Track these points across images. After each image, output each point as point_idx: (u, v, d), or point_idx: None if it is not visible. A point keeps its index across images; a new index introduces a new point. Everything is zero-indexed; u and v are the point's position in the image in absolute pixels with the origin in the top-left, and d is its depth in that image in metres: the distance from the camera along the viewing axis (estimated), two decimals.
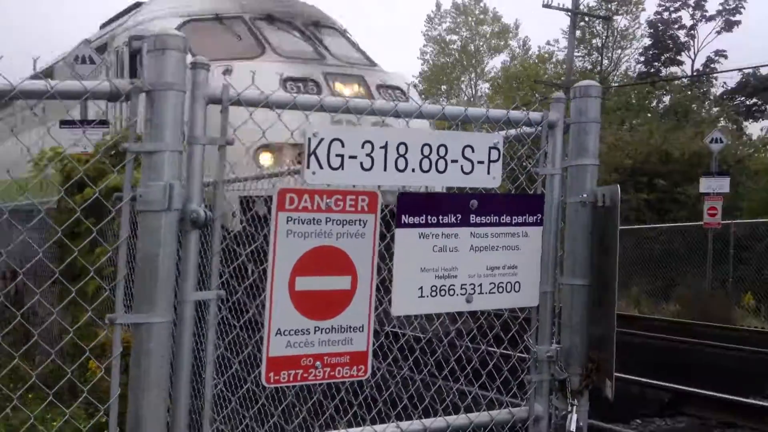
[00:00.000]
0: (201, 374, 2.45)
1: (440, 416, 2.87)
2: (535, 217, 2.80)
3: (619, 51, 48.08)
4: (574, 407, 2.95)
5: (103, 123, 9.68)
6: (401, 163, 2.46)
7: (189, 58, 2.21)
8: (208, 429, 2.38)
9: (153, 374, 2.22)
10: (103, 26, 16.32)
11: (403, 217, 2.54)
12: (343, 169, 2.36)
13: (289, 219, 2.32)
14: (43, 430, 3.71)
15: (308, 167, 2.31)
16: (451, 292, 2.67)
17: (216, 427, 2.51)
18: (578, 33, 39.08)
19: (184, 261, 2.26)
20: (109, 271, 5.91)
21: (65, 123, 10.20)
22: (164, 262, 2.18)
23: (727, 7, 43.34)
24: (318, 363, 2.45)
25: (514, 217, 2.75)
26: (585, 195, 2.88)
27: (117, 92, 2.14)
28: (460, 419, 2.87)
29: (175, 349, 2.31)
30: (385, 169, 2.44)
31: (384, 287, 2.63)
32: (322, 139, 2.32)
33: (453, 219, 2.63)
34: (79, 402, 2.63)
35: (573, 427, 2.94)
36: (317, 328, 2.43)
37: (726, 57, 43.54)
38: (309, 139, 2.30)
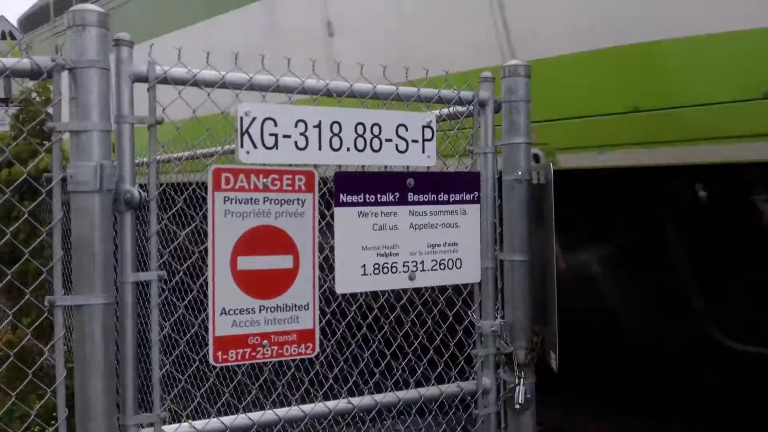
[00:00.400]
0: (148, 355, 2.48)
1: (390, 391, 2.93)
2: (472, 195, 2.85)
3: None
4: (521, 380, 3.02)
5: (20, 103, 9.48)
6: (336, 142, 2.49)
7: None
8: (158, 408, 2.40)
9: (98, 356, 2.23)
10: None
11: (341, 195, 2.58)
12: (277, 148, 2.39)
13: (226, 199, 2.34)
14: None
15: (242, 146, 2.33)
16: (394, 269, 2.72)
17: (167, 406, 2.54)
18: None
19: (121, 242, 2.27)
20: (48, 253, 5.89)
21: None
22: (100, 243, 2.18)
23: None
24: (265, 342, 2.48)
25: (451, 195, 2.79)
26: (519, 173, 2.95)
27: (39, 70, 2.12)
28: (410, 393, 2.93)
29: (119, 330, 2.33)
30: (320, 148, 2.46)
31: (328, 266, 2.67)
32: (254, 118, 2.34)
33: (391, 197, 2.67)
34: (21, 386, 2.64)
35: (521, 399, 3.01)
36: (262, 307, 2.46)
37: None
38: (241, 118, 2.32)
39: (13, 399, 2.28)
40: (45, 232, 2.29)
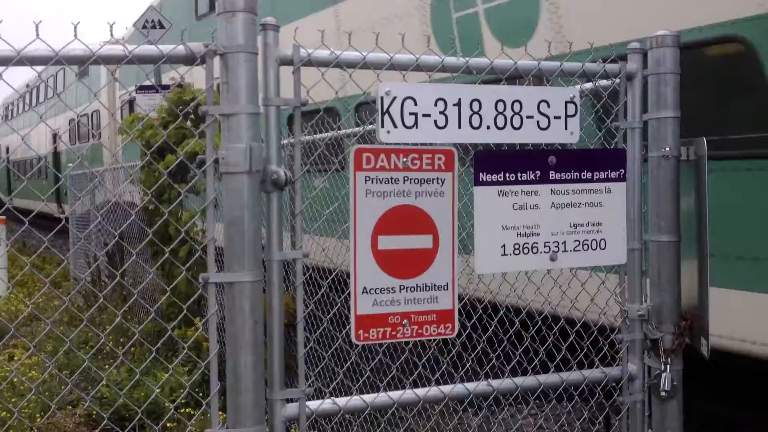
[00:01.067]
0: (293, 331, 2.54)
1: (531, 375, 2.89)
2: (617, 173, 2.75)
3: None
4: (668, 366, 2.90)
5: (179, 86, 9.86)
6: (475, 120, 2.47)
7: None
8: (303, 384, 2.47)
9: (248, 331, 2.31)
10: None
11: (480, 174, 2.56)
12: (417, 127, 2.40)
13: (367, 178, 2.38)
14: (149, 384, 3.97)
15: (382, 126, 2.35)
16: (534, 250, 2.67)
17: (311, 382, 2.61)
18: None
19: (268, 221, 2.35)
20: (196, 233, 6.16)
21: (141, 89, 10.37)
22: (249, 223, 2.26)
23: None
24: (405, 321, 2.50)
25: (595, 173, 2.71)
26: (667, 149, 2.81)
27: (192, 55, 2.21)
28: (551, 378, 2.87)
29: (267, 307, 2.41)
30: (459, 127, 2.45)
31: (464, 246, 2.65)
32: (394, 98, 2.35)
33: (532, 176, 2.62)
34: (179, 359, 2.78)
35: (667, 386, 2.89)
36: (402, 287, 2.49)
37: None
38: (381, 98, 2.33)
39: (171, 371, 2.44)
40: (198, 213, 2.40)
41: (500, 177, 2.58)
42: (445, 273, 2.54)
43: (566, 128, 2.62)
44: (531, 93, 2.57)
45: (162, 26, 11.45)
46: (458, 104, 2.45)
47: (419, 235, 2.49)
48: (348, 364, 2.84)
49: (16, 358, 8.09)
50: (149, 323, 7.11)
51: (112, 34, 2.15)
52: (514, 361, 3.02)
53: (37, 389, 6.49)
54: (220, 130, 2.27)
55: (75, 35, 2.10)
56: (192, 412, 5.41)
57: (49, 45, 2.07)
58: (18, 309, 10.87)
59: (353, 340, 2.47)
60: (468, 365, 3.11)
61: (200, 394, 4.38)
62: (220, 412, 2.43)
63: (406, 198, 2.44)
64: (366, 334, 2.48)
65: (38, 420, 5.69)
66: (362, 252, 2.42)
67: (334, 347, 2.99)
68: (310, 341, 3.13)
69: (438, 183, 2.47)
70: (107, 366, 7.38)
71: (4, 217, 12.89)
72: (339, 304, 2.82)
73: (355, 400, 2.61)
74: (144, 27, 11.37)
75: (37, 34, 2.05)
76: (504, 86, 2.53)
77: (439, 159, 2.46)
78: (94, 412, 5.74)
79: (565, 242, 2.71)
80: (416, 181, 2.44)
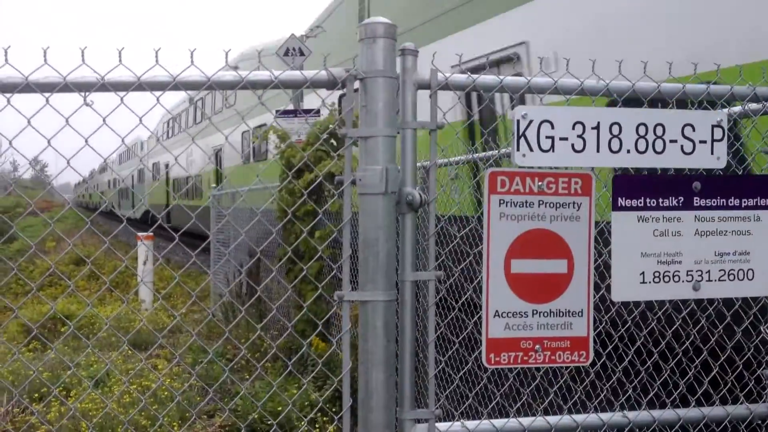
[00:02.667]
0: (425, 353, 2.56)
1: (669, 408, 2.77)
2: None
3: None
4: None
5: (317, 113, 10.04)
6: (615, 144, 2.42)
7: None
8: (433, 405, 2.48)
9: (380, 350, 2.36)
10: None
11: (619, 200, 2.49)
12: (553, 151, 2.37)
13: (501, 201, 2.37)
14: (284, 397, 4.08)
15: (518, 149, 2.34)
16: (676, 278, 2.57)
17: (441, 404, 2.61)
18: None
19: (402, 242, 2.39)
20: (327, 253, 6.30)
21: (283, 113, 10.77)
22: (384, 243, 2.31)
23: None
24: (538, 346, 2.47)
25: (743, 200, 2.58)
26: None
27: (334, 80, 2.30)
28: (692, 412, 2.75)
29: (399, 326, 2.44)
30: (597, 151, 2.40)
31: (599, 272, 2.59)
32: (531, 121, 2.34)
33: (674, 202, 2.53)
34: (312, 374, 2.85)
35: None
36: (535, 312, 2.46)
37: None
38: (518, 121, 2.33)
39: (305, 386, 2.52)
40: (335, 231, 2.47)
41: (640, 202, 2.50)
42: (581, 299, 2.49)
43: (712, 153, 2.51)
44: (675, 116, 2.49)
45: (302, 53, 11.91)
46: (597, 128, 2.40)
47: (554, 259, 2.46)
48: (478, 387, 2.83)
49: (159, 367, 8.53)
50: (283, 339, 7.34)
51: (227, 62, 2.26)
52: (652, 393, 2.91)
53: (179, 399, 6.81)
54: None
55: (226, 61, 2.22)
56: (323, 427, 5.54)
57: (201, 71, 2.21)
58: (162, 321, 11.48)
59: (484, 363, 2.45)
60: (602, 395, 3.02)
61: (332, 410, 4.47)
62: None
63: (540, 222, 2.42)
64: (497, 358, 2.46)
65: (177, 428, 5.97)
66: (495, 275, 2.41)
67: (464, 370, 2.98)
68: (441, 362, 3.14)
69: (574, 207, 2.43)
70: (243, 379, 7.66)
71: (152, 234, 13.68)
72: (470, 327, 2.82)
73: (484, 425, 2.59)
74: (286, 54, 11.87)
75: (192, 61, 2.19)
76: (646, 109, 2.46)
77: (576, 183, 2.42)
78: (230, 423, 5.96)
79: (709, 271, 2.59)
80: (552, 205, 2.41)
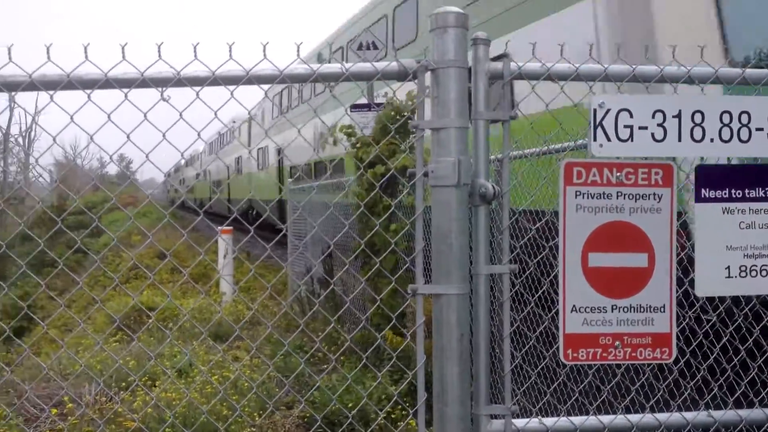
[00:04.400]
0: (500, 347, 2.53)
1: (757, 407, 2.66)
2: None
3: None
4: None
5: (380, 106, 10.00)
6: (697, 133, 2.33)
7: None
8: (509, 401, 2.44)
9: (454, 344, 2.33)
10: None
11: (702, 191, 2.40)
12: (632, 140, 2.30)
13: (578, 193, 2.32)
14: (360, 390, 4.09)
15: (595, 140, 2.28)
16: (764, 273, 2.46)
17: (517, 399, 2.57)
18: None
19: (475, 235, 2.35)
20: (402, 246, 6.29)
21: (355, 107, 10.79)
22: (457, 236, 2.28)
23: None
24: (617, 342, 2.41)
25: None
26: None
27: (405, 72, 2.27)
28: None
29: (473, 320, 2.42)
30: (679, 140, 2.32)
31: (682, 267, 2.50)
32: (608, 110, 2.28)
33: (762, 193, 2.42)
34: (387, 367, 2.85)
35: None
36: (614, 307, 2.40)
37: None
38: (594, 111, 2.27)
39: (379, 380, 2.52)
40: (408, 224, 2.45)
41: (725, 193, 2.40)
42: (662, 294, 2.42)
43: None
44: (761, 103, 2.37)
45: (376, 47, 11.99)
46: (678, 116, 2.31)
47: (633, 253, 2.39)
48: (556, 383, 2.77)
49: (240, 358, 8.70)
50: (357, 333, 7.39)
51: (298, 55, 2.27)
52: (739, 391, 2.80)
53: (257, 389, 6.94)
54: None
55: (298, 54, 2.24)
56: (399, 420, 5.54)
57: (274, 64, 2.23)
58: (241, 312, 11.71)
59: (561, 359, 2.41)
60: (686, 393, 2.92)
61: (407, 404, 4.47)
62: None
63: (619, 214, 2.35)
64: (575, 354, 2.42)
65: (256, 418, 6.08)
66: (571, 269, 2.36)
67: (541, 365, 2.93)
68: (517, 358, 3.09)
69: (655, 199, 2.36)
70: (320, 371, 7.74)
71: (231, 228, 13.98)
72: (546, 322, 2.76)
73: (563, 422, 2.54)
74: (359, 48, 11.98)
75: (264, 55, 2.21)
76: (730, 96, 2.36)
77: (656, 174, 2.34)
78: (308, 415, 6.04)
79: None
80: (631, 196, 2.34)
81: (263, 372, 7.88)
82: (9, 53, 2.08)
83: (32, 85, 2.09)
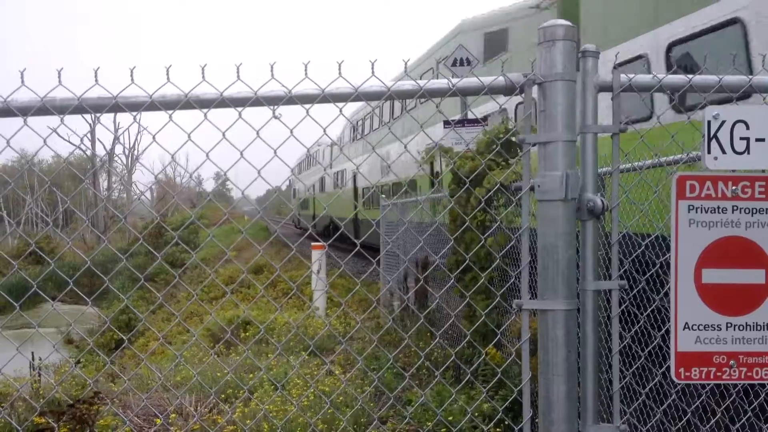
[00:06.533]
0: (609, 364, 2.47)
1: None
2: None
3: None
4: None
5: (483, 121, 10.01)
6: None
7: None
8: (618, 420, 2.39)
9: (561, 361, 2.30)
10: None
11: None
12: (749, 153, 2.22)
13: (691, 207, 2.25)
14: (462, 405, 4.08)
15: (709, 152, 2.21)
16: None
17: (626, 419, 2.50)
18: None
19: (583, 249, 2.31)
20: (496, 263, 6.23)
21: (447, 123, 10.86)
22: (564, 251, 2.25)
23: None
24: (732, 362, 2.33)
25: None
26: None
27: (512, 86, 2.27)
28: None
29: (581, 337, 2.37)
30: None
31: None
32: (723, 122, 2.21)
33: None
34: (491, 384, 2.82)
35: None
36: (729, 325, 2.32)
37: None
38: (709, 122, 2.20)
39: (484, 394, 2.51)
40: (514, 239, 2.43)
41: None
42: None
43: None
44: None
45: (469, 63, 12.04)
46: None
47: (750, 269, 2.30)
48: (667, 403, 2.68)
49: (337, 372, 8.81)
50: (455, 349, 7.36)
51: (406, 70, 2.29)
52: None
53: (351, 404, 7.00)
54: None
55: (372, 72, 2.26)
56: None
57: (381, 81, 2.26)
58: (334, 327, 11.86)
59: (673, 378, 2.33)
60: None
61: (505, 422, 4.42)
62: None
63: (735, 229, 2.28)
64: (687, 373, 2.34)
65: None
66: (684, 285, 2.29)
67: (651, 384, 2.85)
68: (626, 376, 3.01)
69: None
70: (412, 387, 7.74)
71: (322, 244, 14.20)
72: (657, 339, 2.68)
73: None
74: (453, 65, 12.08)
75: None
76: None
77: None
78: (404, 429, 6.04)
79: None
80: (747, 210, 2.26)
81: (357, 387, 7.95)
82: (131, 75, 2.20)
83: (153, 105, 2.19)
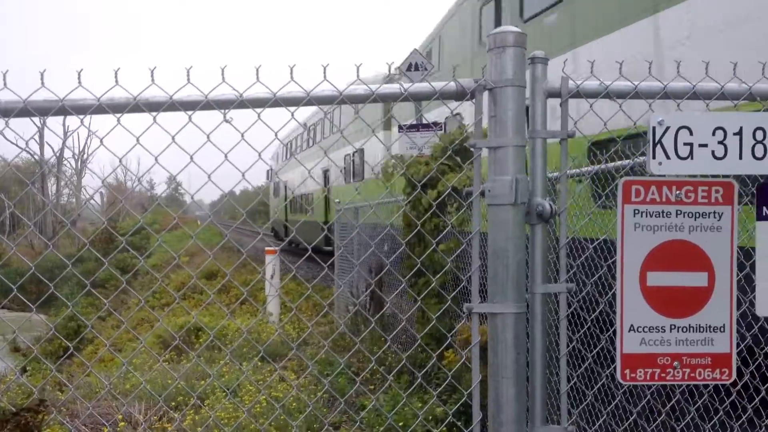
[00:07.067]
0: (556, 367, 2.50)
1: None
2: None
3: None
4: None
5: (436, 126, 10.03)
6: (759, 150, 2.29)
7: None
8: (566, 422, 2.42)
9: (510, 363, 2.32)
10: None
11: (764, 209, 2.37)
12: (692, 158, 2.27)
13: (636, 212, 2.30)
14: (413, 409, 4.08)
15: (654, 157, 2.26)
16: None
17: (573, 420, 2.54)
18: None
19: (532, 253, 2.34)
20: (448, 267, 6.27)
21: (406, 128, 10.86)
22: (514, 254, 2.27)
23: None
24: (676, 363, 2.38)
25: None
26: None
27: (463, 91, 2.29)
28: None
29: (530, 340, 2.40)
30: (740, 157, 2.29)
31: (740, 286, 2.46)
32: (668, 128, 2.26)
33: None
34: (441, 387, 2.84)
35: None
36: (673, 326, 2.37)
37: None
38: (654, 128, 2.25)
39: (435, 397, 2.52)
40: (465, 243, 2.45)
41: None
42: (722, 314, 2.38)
43: None
44: None
45: (425, 68, 12.08)
46: (740, 133, 2.29)
47: (693, 272, 2.36)
48: (613, 405, 2.72)
49: (291, 377, 8.75)
50: (408, 353, 7.38)
51: (358, 76, 2.30)
52: None
53: (304, 410, 6.96)
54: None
55: (325, 76, 2.26)
56: None
57: (333, 85, 2.27)
58: (288, 333, 11.79)
59: (619, 379, 2.38)
60: (745, 415, 2.86)
61: (458, 424, 4.45)
62: None
63: (678, 233, 2.33)
64: (633, 374, 2.39)
65: None
66: (630, 288, 2.34)
67: (598, 385, 2.89)
68: (573, 378, 3.05)
69: (715, 217, 2.33)
70: (366, 392, 7.74)
71: (275, 249, 14.12)
72: (604, 341, 2.73)
73: None
74: (408, 69, 12.07)
75: (324, 76, 2.25)
76: None
77: (717, 192, 2.32)
78: None
79: None
80: (690, 215, 2.32)
81: (310, 392, 7.91)
82: (79, 78, 2.16)
83: (101, 108, 2.16)
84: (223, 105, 2.22)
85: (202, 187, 2.39)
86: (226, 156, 2.29)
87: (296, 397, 7.31)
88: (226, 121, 2.25)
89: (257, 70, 2.18)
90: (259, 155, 2.34)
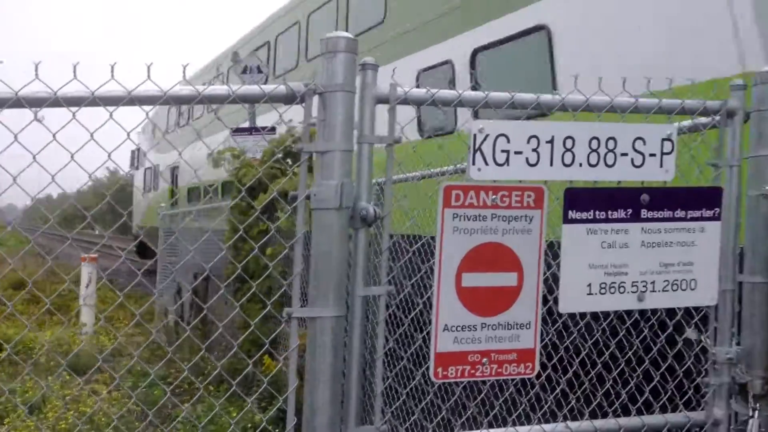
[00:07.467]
0: (372, 368, 2.52)
1: (611, 417, 2.81)
2: (712, 212, 2.67)
3: None
4: (756, 412, 2.78)
5: (272, 130, 9.94)
6: (568, 158, 2.44)
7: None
8: (379, 421, 2.44)
9: (327, 366, 2.30)
10: None
11: (570, 212, 2.52)
12: (508, 164, 2.38)
13: (455, 215, 2.37)
14: (227, 419, 3.96)
15: (473, 163, 2.34)
16: (621, 289, 2.60)
17: (387, 419, 2.57)
18: None
19: (355, 257, 2.34)
20: (277, 270, 6.23)
21: (237, 131, 10.68)
22: (336, 259, 2.26)
23: None
24: (485, 359, 2.46)
25: (689, 212, 2.63)
26: (767, 188, 2.73)
27: (292, 95, 2.27)
28: (632, 421, 2.81)
29: (348, 342, 2.39)
30: (551, 164, 2.43)
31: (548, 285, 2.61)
32: (487, 135, 2.35)
33: (623, 214, 2.57)
34: (257, 394, 2.79)
35: None
36: (484, 325, 2.45)
37: None
38: (474, 135, 2.34)
39: (249, 405, 2.45)
40: (287, 248, 2.41)
41: (590, 215, 2.53)
42: (529, 311, 2.50)
43: (661, 166, 2.57)
44: (627, 130, 2.53)
45: (260, 71, 11.86)
46: (551, 141, 2.43)
47: (504, 272, 2.46)
48: (425, 402, 2.79)
49: (100, 392, 8.28)
50: (227, 360, 7.21)
51: (184, 76, 2.22)
52: (594, 403, 2.94)
53: (117, 424, 6.61)
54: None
55: (184, 76, 2.17)
56: None
57: (158, 85, 2.16)
58: (103, 344, 11.17)
59: (432, 378, 2.43)
60: (546, 406, 3.03)
61: (276, 431, 4.40)
62: None
63: (492, 235, 2.42)
64: (445, 372, 2.45)
65: None
66: (446, 289, 2.40)
67: (411, 384, 2.95)
68: (388, 378, 3.10)
69: (526, 220, 2.45)
70: (185, 402, 7.48)
71: (96, 255, 13.35)
72: (419, 341, 2.79)
73: None
74: (243, 72, 11.82)
75: (148, 75, 2.12)
76: (599, 123, 2.51)
77: (529, 196, 2.43)
78: None
79: (654, 282, 2.63)
80: (504, 218, 2.42)
81: (123, 406, 7.53)
82: None
83: None
84: (36, 103, 2.05)
85: (6, 190, 2.17)
86: (34, 157, 2.10)
87: (105, 412, 6.92)
88: (37, 120, 2.09)
89: (74, 67, 2.04)
90: (72, 157, 2.15)
